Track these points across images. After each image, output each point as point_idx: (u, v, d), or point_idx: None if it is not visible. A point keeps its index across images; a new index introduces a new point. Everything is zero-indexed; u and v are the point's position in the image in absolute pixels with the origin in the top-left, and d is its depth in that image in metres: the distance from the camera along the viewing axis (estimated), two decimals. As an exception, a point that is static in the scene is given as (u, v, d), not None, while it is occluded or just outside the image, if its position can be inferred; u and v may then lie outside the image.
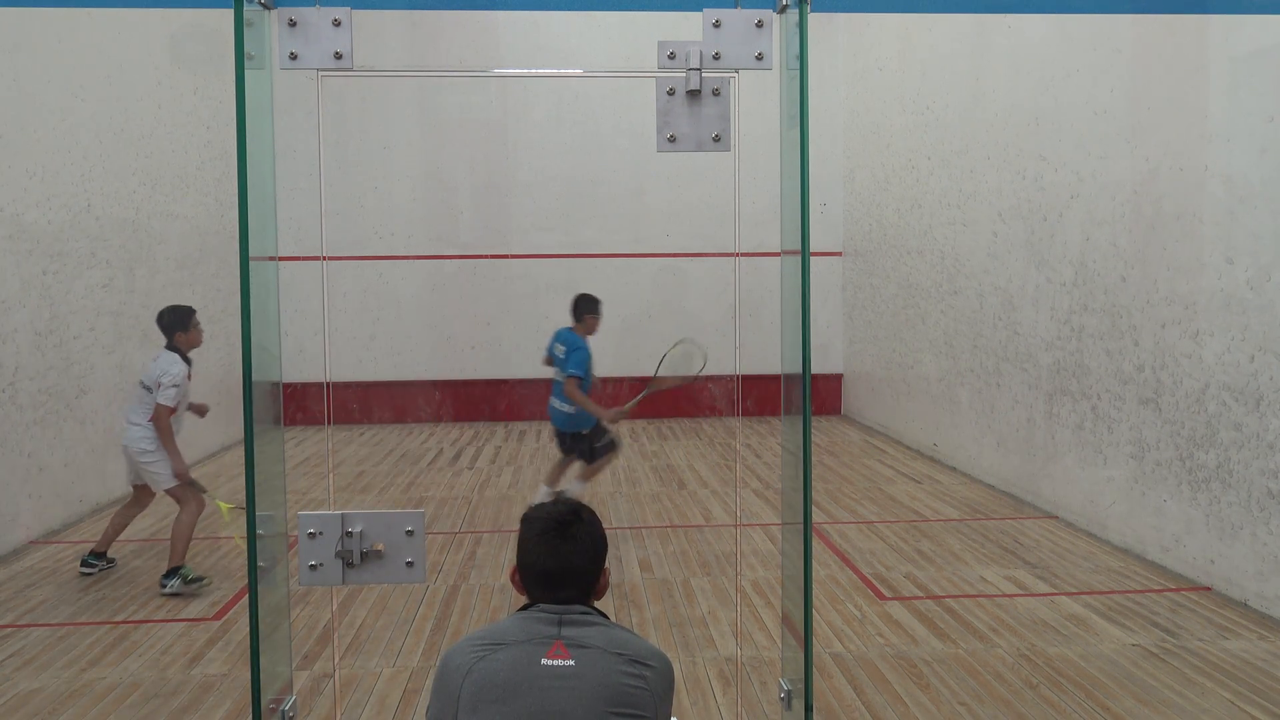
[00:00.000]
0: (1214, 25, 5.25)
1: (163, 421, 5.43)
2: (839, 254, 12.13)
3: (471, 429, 11.24)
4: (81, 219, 7.34)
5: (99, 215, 7.60)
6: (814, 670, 2.45)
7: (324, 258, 11.40)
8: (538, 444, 10.31)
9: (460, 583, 5.58)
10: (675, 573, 5.77)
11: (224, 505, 5.80)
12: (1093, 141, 6.42)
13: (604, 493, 7.95)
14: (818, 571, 5.75)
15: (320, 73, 2.03)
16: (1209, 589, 5.31)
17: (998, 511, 7.16)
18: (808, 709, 2.19)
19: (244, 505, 4.61)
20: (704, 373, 6.63)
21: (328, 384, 10.92)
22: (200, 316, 9.87)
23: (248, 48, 1.90)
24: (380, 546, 2.04)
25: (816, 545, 6.28)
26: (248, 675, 3.01)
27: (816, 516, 7.05)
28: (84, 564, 5.75)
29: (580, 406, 6.37)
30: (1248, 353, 5.02)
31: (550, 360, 6.70)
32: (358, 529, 2.03)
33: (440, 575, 5.71)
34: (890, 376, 10.58)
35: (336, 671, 4.40)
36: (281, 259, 2.14)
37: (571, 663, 1.88)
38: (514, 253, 11.73)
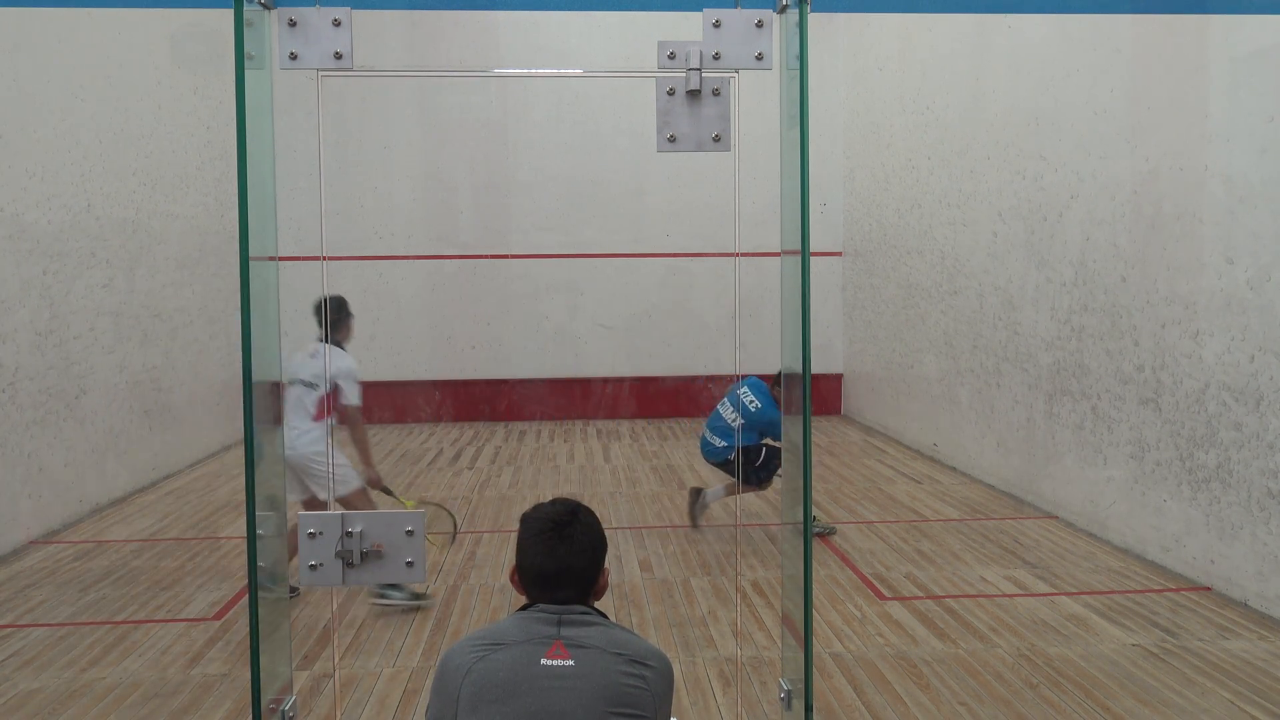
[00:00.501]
0: (1214, 25, 5.25)
1: (358, 420, 5.08)
2: (839, 254, 12.13)
3: (471, 429, 11.24)
4: (81, 219, 7.34)
5: (99, 215, 7.60)
6: (814, 670, 2.45)
7: (324, 258, 11.40)
8: (538, 444, 10.32)
9: (460, 583, 5.58)
10: (675, 573, 5.77)
11: (409, 503, 5.45)
12: (1093, 141, 6.42)
13: (604, 493, 7.95)
14: (818, 571, 5.75)
15: (320, 73, 2.03)
16: (1209, 589, 5.31)
17: (998, 511, 7.16)
18: (808, 709, 2.19)
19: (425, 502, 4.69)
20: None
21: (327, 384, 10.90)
22: (200, 316, 9.90)
23: (248, 48, 1.90)
24: (380, 546, 2.04)
25: (816, 545, 6.28)
26: (248, 675, 3.01)
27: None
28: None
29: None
30: (1248, 353, 5.02)
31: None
32: (358, 529, 2.03)
33: (440, 575, 5.71)
34: (890, 376, 10.58)
35: (336, 671, 4.40)
36: (281, 259, 2.14)
37: (571, 663, 1.88)
38: (514, 253, 11.73)
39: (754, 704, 4.04)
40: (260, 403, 1.99)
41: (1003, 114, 7.68)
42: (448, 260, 11.72)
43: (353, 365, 5.09)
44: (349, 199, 11.45)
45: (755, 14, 2.08)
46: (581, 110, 11.70)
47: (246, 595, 2.88)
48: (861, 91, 11.24)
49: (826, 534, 6.51)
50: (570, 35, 11.67)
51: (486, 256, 11.71)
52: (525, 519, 2.07)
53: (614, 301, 11.84)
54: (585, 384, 11.87)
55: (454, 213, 11.83)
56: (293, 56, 2.00)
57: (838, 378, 12.23)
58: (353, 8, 2.00)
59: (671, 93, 2.12)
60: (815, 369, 12.13)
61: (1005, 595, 5.31)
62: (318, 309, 5.05)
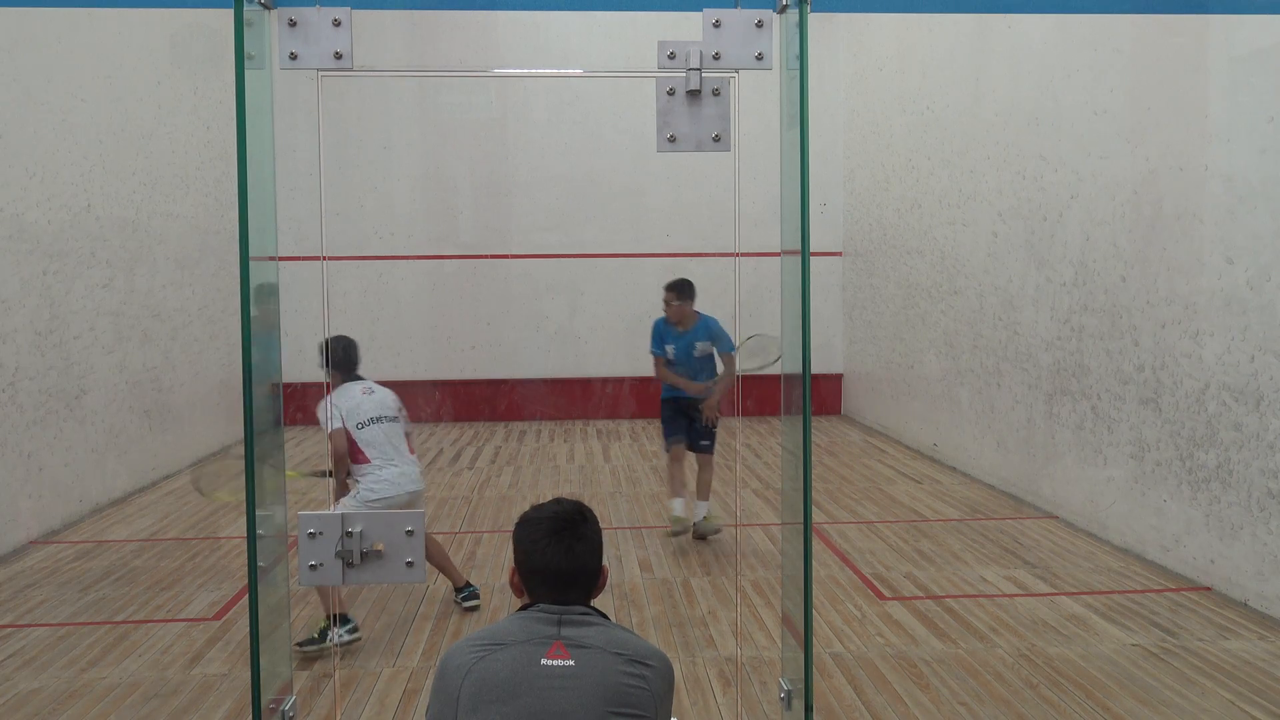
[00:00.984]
0: (1214, 25, 5.25)
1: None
2: (839, 254, 12.13)
3: (471, 429, 11.24)
4: (81, 219, 7.34)
5: (99, 215, 7.60)
6: (814, 670, 2.45)
7: (324, 258, 11.40)
8: (538, 444, 10.31)
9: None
10: (675, 573, 5.77)
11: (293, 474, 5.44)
12: (1093, 141, 6.42)
13: (604, 493, 7.95)
14: (818, 571, 5.75)
15: (320, 73, 2.03)
16: (1209, 589, 5.31)
17: (998, 511, 7.16)
18: (808, 709, 2.19)
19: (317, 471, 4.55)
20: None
21: (328, 384, 10.92)
22: (200, 316, 9.89)
23: (248, 48, 1.90)
24: (380, 546, 2.04)
25: (816, 545, 6.28)
26: (248, 675, 3.01)
27: (816, 516, 7.05)
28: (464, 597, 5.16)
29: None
30: (1248, 353, 5.02)
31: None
32: (358, 529, 2.03)
33: (440, 575, 5.71)
34: (890, 376, 10.58)
35: (336, 671, 4.40)
36: (281, 259, 2.14)
37: (571, 663, 1.88)
38: (514, 253, 11.73)
39: (754, 704, 4.04)
40: (260, 403, 1.99)
41: (1003, 114, 7.68)
42: (448, 260, 11.72)
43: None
44: (349, 199, 11.45)
45: (755, 14, 2.08)
46: (581, 110, 11.70)
47: (246, 595, 2.87)
48: (861, 91, 11.24)
49: (710, 534, 6.28)
50: (570, 35, 11.67)
51: (486, 256, 11.71)
52: (528, 521, 2.07)
53: (614, 301, 11.84)
54: (585, 384, 11.87)
55: (454, 213, 11.83)
56: (293, 56, 2.00)
57: (838, 378, 12.22)
58: (353, 8, 2.00)
59: (671, 93, 2.12)
60: (815, 369, 12.12)
61: (1005, 595, 5.31)
62: (332, 350, 5.03)
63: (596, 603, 2.08)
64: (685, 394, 6.35)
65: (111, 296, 7.80)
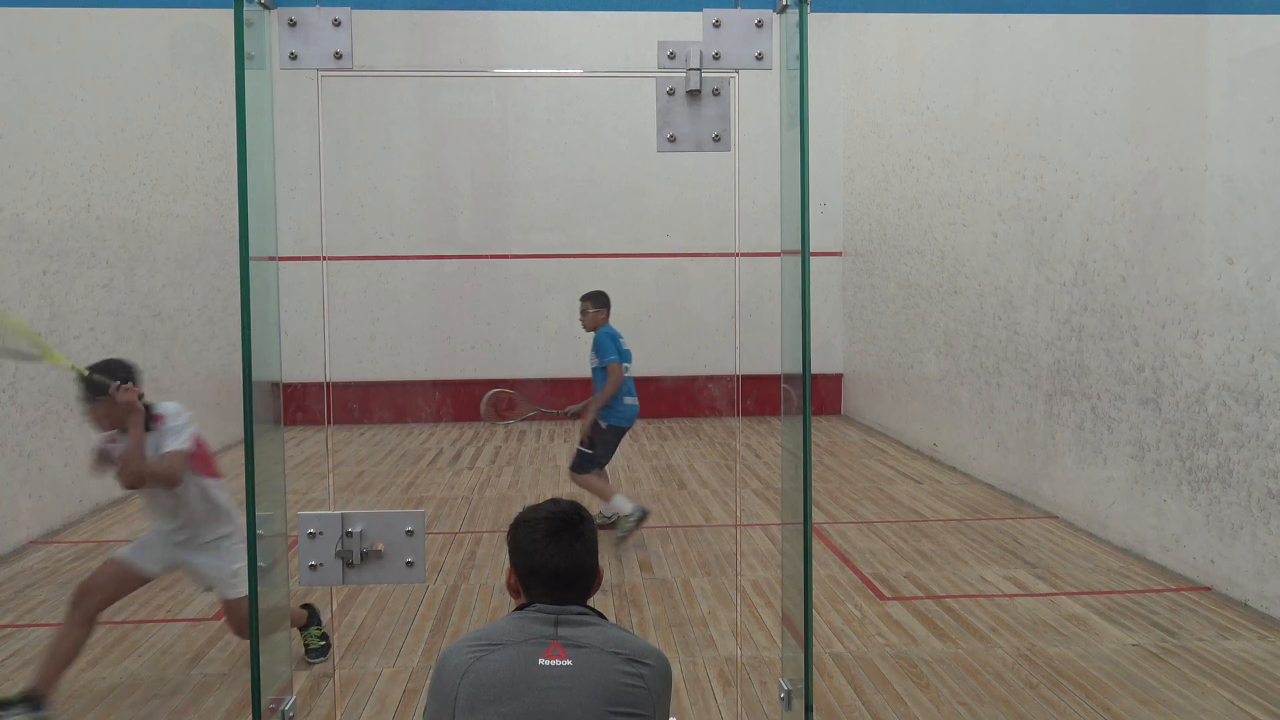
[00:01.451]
0: (1214, 25, 5.25)
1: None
2: (839, 254, 12.13)
3: (471, 429, 11.24)
4: (81, 219, 7.34)
5: (99, 215, 7.60)
6: (814, 670, 2.45)
7: (324, 258, 11.40)
8: (537, 444, 10.31)
9: (460, 583, 5.58)
10: (675, 573, 5.77)
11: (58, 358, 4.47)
12: (1093, 141, 6.42)
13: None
14: (818, 571, 5.75)
15: (320, 73, 2.03)
16: (1209, 589, 5.31)
17: (998, 511, 7.16)
18: (808, 709, 2.19)
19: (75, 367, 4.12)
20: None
21: (328, 384, 10.93)
22: (200, 316, 9.89)
23: (248, 48, 1.90)
24: (380, 546, 2.04)
25: (816, 545, 6.28)
26: (248, 675, 3.01)
27: (816, 516, 7.05)
28: None
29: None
30: (1248, 353, 5.02)
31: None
32: (358, 529, 2.03)
33: (440, 575, 5.71)
34: (890, 376, 10.58)
35: (336, 671, 4.40)
36: (281, 259, 2.14)
37: (569, 663, 1.88)
38: (514, 253, 11.73)
39: (754, 704, 4.04)
40: (260, 403, 1.99)
41: (1003, 114, 7.68)
42: (448, 260, 11.72)
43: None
44: (349, 199, 11.45)
45: (755, 14, 2.08)
46: (581, 110, 11.70)
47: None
48: (861, 91, 11.24)
49: (608, 524, 6.38)
50: (570, 35, 11.67)
51: (486, 256, 11.71)
52: (524, 522, 2.07)
53: (614, 301, 11.83)
54: (585, 384, 11.85)
55: (454, 213, 11.83)
56: (293, 56, 2.00)
57: (838, 378, 12.22)
58: (353, 8, 2.00)
59: (671, 93, 2.12)
60: (815, 369, 12.14)
61: (1005, 595, 5.31)
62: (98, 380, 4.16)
63: (594, 603, 2.08)
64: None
65: (111, 296, 7.80)
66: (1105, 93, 6.29)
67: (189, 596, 5.39)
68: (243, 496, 1.98)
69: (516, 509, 5.38)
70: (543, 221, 11.76)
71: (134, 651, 4.60)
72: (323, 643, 4.52)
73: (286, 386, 2.30)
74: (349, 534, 2.03)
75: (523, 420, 6.07)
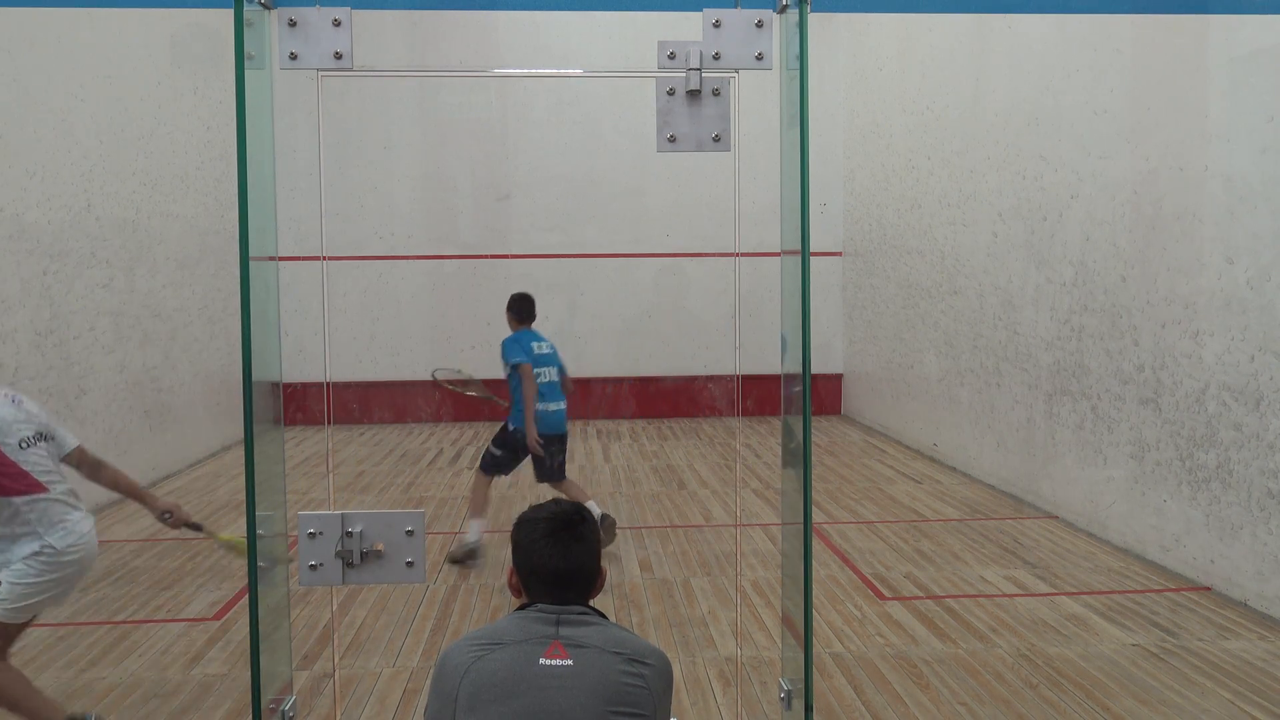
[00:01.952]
0: (1214, 25, 5.25)
1: (92, 456, 4.26)
2: (839, 254, 12.13)
3: (471, 429, 11.24)
4: (81, 219, 7.34)
5: (99, 215, 7.60)
6: (814, 670, 2.45)
7: (324, 258, 11.40)
8: (538, 444, 10.31)
9: (460, 583, 5.58)
10: (675, 573, 5.77)
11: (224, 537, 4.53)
12: (1093, 141, 6.42)
13: (604, 493, 7.94)
14: (818, 571, 5.75)
15: (320, 73, 2.03)
16: (1209, 589, 5.31)
17: (998, 511, 7.16)
18: (808, 709, 2.19)
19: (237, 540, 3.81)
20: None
21: (328, 384, 10.92)
22: (200, 316, 9.89)
23: (248, 48, 1.90)
24: (380, 546, 2.04)
25: (816, 545, 6.28)
26: (248, 675, 3.01)
27: (816, 516, 7.05)
28: None
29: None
30: (1248, 353, 5.02)
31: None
32: (358, 529, 2.03)
33: (440, 575, 5.71)
34: (890, 376, 10.58)
35: (336, 671, 4.40)
36: (281, 259, 2.14)
37: (570, 662, 1.88)
38: (514, 253, 11.73)
39: (754, 704, 4.04)
40: (260, 403, 1.99)
41: (1003, 114, 7.68)
42: (448, 260, 11.72)
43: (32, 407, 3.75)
44: (349, 199, 11.45)
45: (755, 14, 2.08)
46: (581, 110, 11.70)
47: (246, 595, 2.88)
48: (861, 91, 11.24)
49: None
50: (570, 35, 11.67)
51: (486, 256, 11.71)
52: (526, 521, 2.07)
53: (613, 301, 11.84)
54: (585, 384, 11.86)
55: (454, 213, 11.83)
56: (293, 56, 2.00)
57: (838, 378, 12.22)
58: (353, 8, 2.00)
59: (671, 93, 2.12)
60: (815, 369, 12.12)
61: (1005, 595, 5.31)
62: None
63: (594, 603, 2.08)
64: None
65: (111, 296, 7.80)
66: (1105, 93, 6.29)
67: (189, 596, 5.39)
68: (242, 496, 1.98)
69: (517, 509, 5.38)
70: (543, 221, 11.76)
71: (134, 651, 4.60)
72: None
73: (286, 386, 2.30)
74: (349, 534, 2.02)
75: (466, 393, 5.88)
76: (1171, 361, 5.64)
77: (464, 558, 5.87)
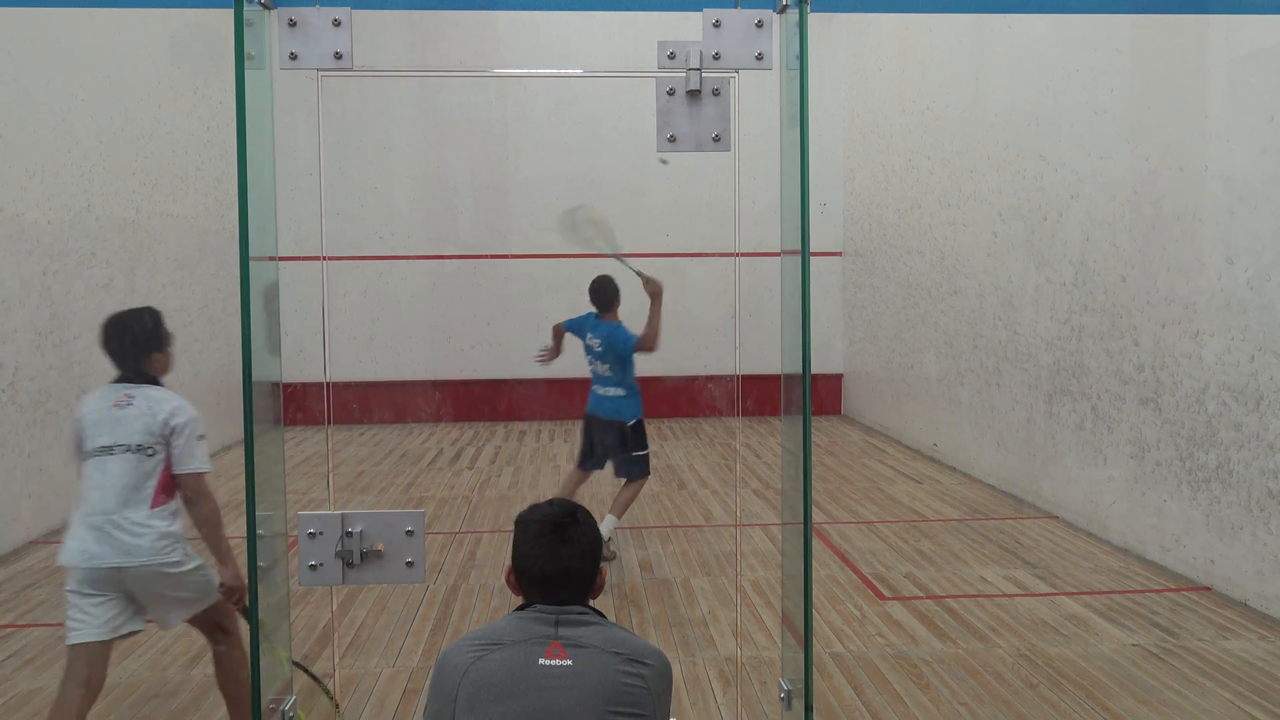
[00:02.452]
0: (1214, 25, 5.25)
1: (208, 495, 3.80)
2: (839, 254, 12.12)
3: (471, 429, 11.24)
4: (81, 219, 7.34)
5: (99, 215, 7.60)
6: (814, 670, 2.45)
7: (324, 258, 11.39)
8: (537, 444, 10.31)
9: (460, 583, 5.58)
10: (675, 573, 5.77)
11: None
12: (1093, 141, 6.42)
13: (604, 493, 7.94)
14: (818, 571, 5.75)
15: (320, 73, 2.03)
16: (1209, 589, 5.31)
17: (998, 511, 7.16)
18: (808, 709, 2.19)
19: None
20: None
21: (328, 384, 10.92)
22: (200, 316, 9.88)
23: (248, 48, 1.90)
24: (380, 546, 2.04)
25: (816, 545, 6.28)
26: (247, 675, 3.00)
27: (816, 516, 7.05)
28: None
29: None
30: (1248, 353, 5.02)
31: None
32: (358, 529, 2.03)
33: (440, 575, 5.71)
34: (890, 376, 10.58)
35: (336, 671, 4.39)
36: (281, 259, 2.14)
37: (569, 662, 1.88)
38: (514, 253, 11.73)
39: (754, 704, 4.04)
40: (260, 403, 1.99)
41: (1003, 114, 7.68)
42: (448, 260, 11.72)
43: (193, 411, 3.47)
44: (349, 199, 11.45)
45: (755, 14, 2.08)
46: (581, 110, 11.70)
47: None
48: (861, 91, 11.23)
49: (607, 560, 5.90)
50: (570, 35, 11.67)
51: (486, 256, 11.71)
52: (522, 521, 2.07)
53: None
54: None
55: (454, 213, 11.83)
56: (293, 56, 2.00)
57: (838, 378, 12.22)
58: (353, 8, 2.00)
59: (671, 93, 2.12)
60: (815, 369, 12.12)
61: (1005, 595, 5.31)
62: (112, 334, 3.57)
63: (595, 603, 2.08)
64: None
65: (111, 296, 7.79)
66: (1105, 93, 6.29)
67: (189, 596, 5.39)
68: (243, 496, 1.98)
69: (516, 509, 5.38)
70: (543, 221, 11.74)
71: (134, 651, 4.60)
72: None
73: (286, 386, 2.30)
74: (349, 534, 2.03)
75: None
76: (1171, 361, 5.64)
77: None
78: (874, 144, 10.88)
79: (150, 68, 8.56)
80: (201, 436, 3.47)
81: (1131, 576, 5.58)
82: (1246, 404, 5.03)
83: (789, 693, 2.28)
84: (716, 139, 2.14)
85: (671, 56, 2.10)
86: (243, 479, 1.97)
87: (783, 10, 2.07)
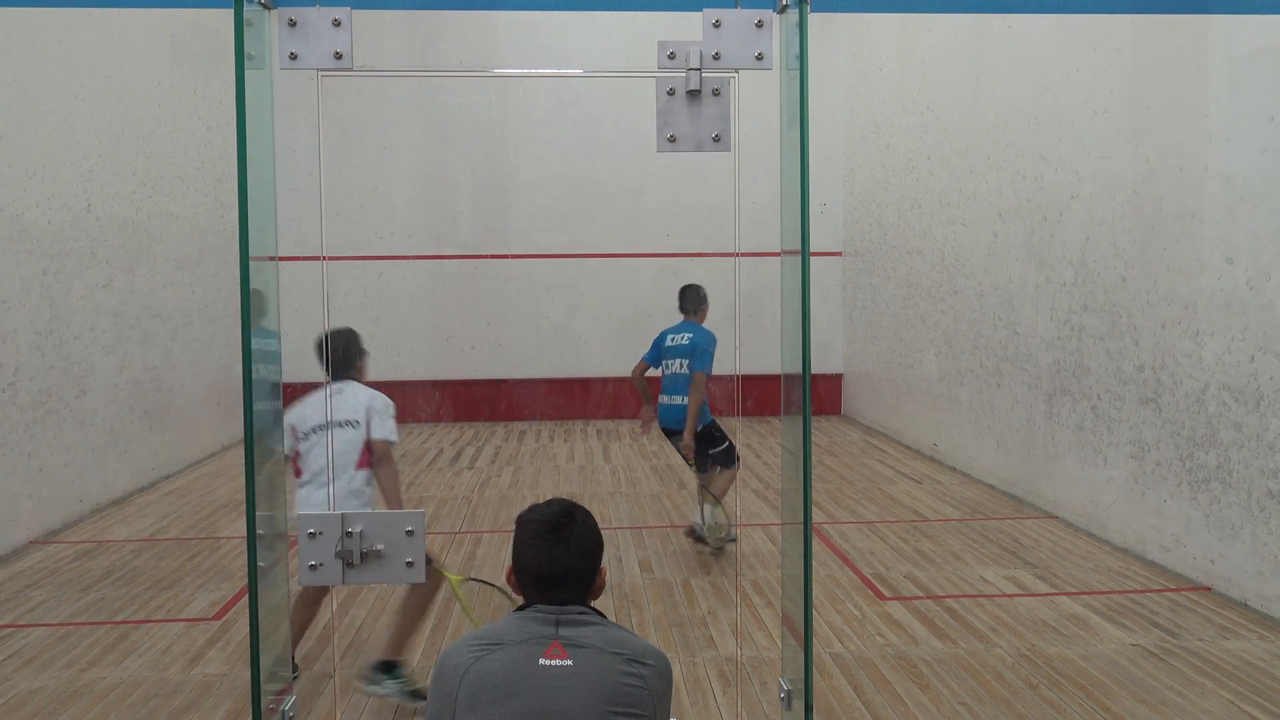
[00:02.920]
0: (1214, 25, 5.25)
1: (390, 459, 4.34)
2: (839, 254, 12.12)
3: (471, 429, 11.24)
4: (81, 219, 7.34)
5: (99, 215, 7.60)
6: (814, 670, 2.45)
7: (324, 258, 11.39)
8: (537, 444, 10.32)
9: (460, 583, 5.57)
10: (675, 573, 5.77)
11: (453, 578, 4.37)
12: (1093, 141, 6.42)
13: (604, 492, 7.95)
14: (818, 571, 5.75)
15: (320, 73, 2.03)
16: (1209, 589, 5.31)
17: (998, 511, 7.16)
18: (808, 709, 2.19)
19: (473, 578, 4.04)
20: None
21: (327, 384, 10.91)
22: (200, 316, 9.87)
23: (248, 48, 1.90)
24: (380, 546, 2.04)
25: (816, 545, 6.28)
26: (248, 675, 3.01)
27: (816, 516, 7.05)
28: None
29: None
30: (1248, 353, 5.02)
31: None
32: (358, 529, 2.03)
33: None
34: (890, 376, 10.58)
35: (336, 671, 4.40)
36: (281, 259, 2.14)
37: (569, 662, 1.88)
38: (514, 253, 11.73)
39: (754, 704, 4.04)
40: (260, 403, 1.99)
41: (1003, 114, 7.68)
42: (448, 260, 11.72)
43: (385, 399, 4.36)
44: (349, 199, 11.45)
45: (755, 14, 2.08)
46: (581, 110, 11.70)
47: (246, 595, 2.88)
48: (861, 91, 11.24)
49: (728, 541, 6.12)
50: (570, 35, 11.67)
51: (486, 256, 11.71)
52: (522, 520, 2.07)
53: (613, 301, 11.84)
54: (585, 384, 11.87)
55: (454, 213, 11.83)
56: (293, 56, 2.00)
57: (838, 378, 12.22)
58: (353, 8, 2.00)
59: (671, 93, 2.12)
60: (815, 369, 12.13)
61: (1005, 595, 5.31)
62: (333, 345, 4.35)
63: (596, 603, 2.08)
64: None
65: (111, 296, 7.80)
66: (1105, 93, 6.29)
67: (189, 597, 5.40)
68: (242, 496, 1.98)
69: (516, 509, 5.38)
70: (543, 221, 11.76)
71: (134, 651, 4.60)
72: None
73: (286, 386, 2.30)
74: (349, 534, 2.02)
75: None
76: (1171, 361, 5.64)
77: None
78: (874, 144, 10.88)
79: (150, 68, 8.56)
80: (392, 416, 4.37)
81: (1131, 576, 5.58)
82: (1246, 404, 5.03)
83: (789, 693, 2.28)
84: (716, 139, 2.14)
85: (671, 56, 2.10)
86: (243, 479, 1.97)
87: (783, 10, 2.08)
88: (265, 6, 1.96)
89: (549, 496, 2.18)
